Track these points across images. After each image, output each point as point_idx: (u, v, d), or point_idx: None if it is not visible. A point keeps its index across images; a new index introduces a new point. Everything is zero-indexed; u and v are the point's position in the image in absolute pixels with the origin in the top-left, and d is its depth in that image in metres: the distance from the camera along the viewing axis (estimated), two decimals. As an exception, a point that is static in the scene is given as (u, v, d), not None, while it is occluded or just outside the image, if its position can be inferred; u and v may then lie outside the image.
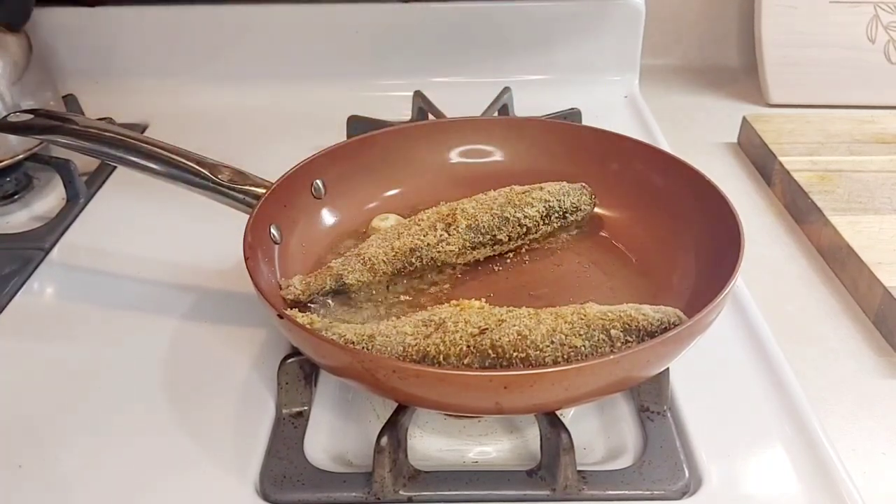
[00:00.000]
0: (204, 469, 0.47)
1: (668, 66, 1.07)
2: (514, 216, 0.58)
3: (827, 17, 0.93)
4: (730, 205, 0.53)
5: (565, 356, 0.44)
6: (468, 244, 0.57)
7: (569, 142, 0.66)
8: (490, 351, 0.44)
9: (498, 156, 0.68)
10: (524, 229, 0.58)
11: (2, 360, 0.56)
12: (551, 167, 0.65)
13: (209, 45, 0.95)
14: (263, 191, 0.55)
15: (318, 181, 0.61)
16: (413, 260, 0.55)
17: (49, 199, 0.77)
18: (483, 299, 0.49)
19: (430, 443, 0.49)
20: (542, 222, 0.59)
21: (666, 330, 0.44)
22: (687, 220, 0.57)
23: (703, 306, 0.43)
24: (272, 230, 0.56)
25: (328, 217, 0.62)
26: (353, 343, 0.45)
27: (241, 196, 0.56)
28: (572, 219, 0.60)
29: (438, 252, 0.56)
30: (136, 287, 0.63)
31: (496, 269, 0.58)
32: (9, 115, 0.59)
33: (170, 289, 0.63)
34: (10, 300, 0.61)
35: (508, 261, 0.59)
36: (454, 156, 0.67)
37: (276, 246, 0.56)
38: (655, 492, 0.44)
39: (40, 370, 0.55)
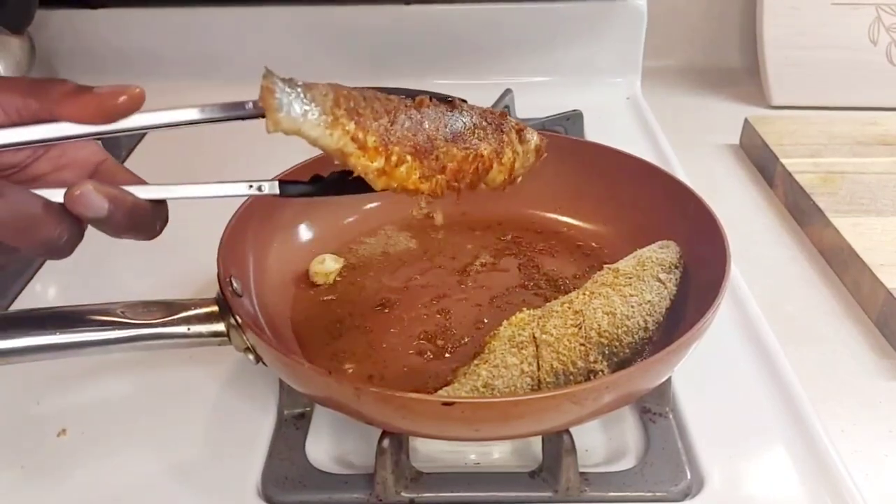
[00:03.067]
0: (206, 470, 0.47)
1: (670, 68, 1.07)
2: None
3: (829, 18, 0.93)
4: (715, 218, 0.53)
5: (647, 312, 0.48)
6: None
7: (550, 152, 0.65)
8: (601, 338, 0.46)
9: None
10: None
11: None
12: (533, 177, 0.65)
13: (211, 46, 0.95)
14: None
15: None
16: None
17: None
18: (524, 309, 0.48)
19: (432, 444, 0.48)
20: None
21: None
22: (674, 232, 0.56)
23: (690, 323, 0.44)
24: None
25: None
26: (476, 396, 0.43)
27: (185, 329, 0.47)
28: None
29: None
30: (138, 286, 0.63)
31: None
32: None
33: (171, 290, 0.63)
34: (12, 301, 0.62)
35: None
36: None
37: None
38: (657, 493, 0.44)
39: (40, 371, 0.55)
